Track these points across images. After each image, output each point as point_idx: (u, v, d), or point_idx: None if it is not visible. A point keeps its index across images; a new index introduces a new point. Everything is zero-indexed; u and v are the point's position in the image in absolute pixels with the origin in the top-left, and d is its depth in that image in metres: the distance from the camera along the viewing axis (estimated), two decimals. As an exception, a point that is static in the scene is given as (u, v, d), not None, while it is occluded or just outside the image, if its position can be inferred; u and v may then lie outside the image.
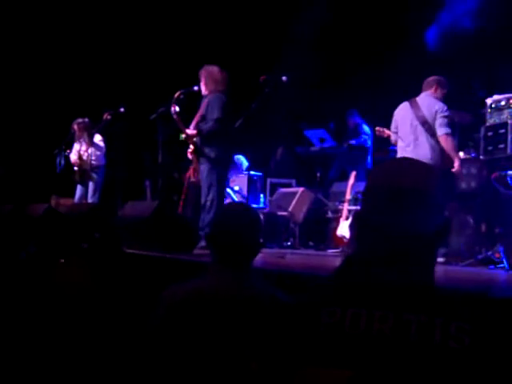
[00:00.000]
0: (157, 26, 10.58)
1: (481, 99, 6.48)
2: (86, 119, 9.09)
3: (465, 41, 7.62)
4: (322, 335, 1.44)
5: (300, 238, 8.57)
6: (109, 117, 8.97)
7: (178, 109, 6.73)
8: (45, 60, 10.63)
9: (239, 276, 2.52)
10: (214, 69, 6.74)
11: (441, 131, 5.98)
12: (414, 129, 6.10)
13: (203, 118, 6.62)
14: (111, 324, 4.31)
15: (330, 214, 8.56)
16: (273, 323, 1.59)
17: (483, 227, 6.44)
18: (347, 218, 7.60)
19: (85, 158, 8.87)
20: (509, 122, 5.87)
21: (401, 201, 1.47)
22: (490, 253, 5.70)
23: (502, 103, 6.01)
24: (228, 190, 8.67)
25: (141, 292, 4.48)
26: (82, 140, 8.97)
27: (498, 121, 6.01)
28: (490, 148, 6.01)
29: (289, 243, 8.39)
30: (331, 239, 8.08)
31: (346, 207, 7.75)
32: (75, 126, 9.04)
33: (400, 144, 6.27)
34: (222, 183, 6.76)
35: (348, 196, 7.80)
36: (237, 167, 9.29)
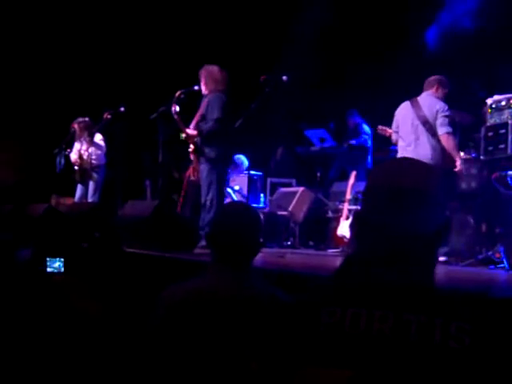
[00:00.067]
0: (157, 26, 10.58)
1: (481, 99, 6.48)
2: (87, 118, 9.09)
3: (465, 41, 7.62)
4: (322, 335, 1.44)
5: (300, 238, 8.57)
6: (109, 116, 8.97)
7: (178, 109, 6.73)
8: (45, 59, 10.63)
9: (239, 276, 2.52)
10: (214, 68, 6.74)
11: (442, 130, 5.99)
12: (415, 128, 6.10)
13: (203, 118, 6.62)
14: (111, 324, 4.30)
15: (330, 214, 8.56)
16: (273, 323, 1.59)
17: (483, 227, 6.44)
18: (347, 218, 7.60)
19: (85, 157, 8.87)
20: (509, 122, 5.86)
21: (401, 201, 1.47)
22: (490, 253, 5.69)
23: (503, 103, 6.00)
24: (228, 189, 8.67)
25: (141, 291, 4.48)
26: (82, 139, 8.97)
27: (498, 121, 6.01)
28: (490, 148, 6.01)
29: (289, 243, 8.39)
30: (331, 239, 8.08)
31: (346, 207, 7.75)
32: (75, 126, 9.04)
33: (401, 143, 6.28)
34: (222, 182, 6.77)
35: (348, 196, 7.80)
36: (237, 167, 9.29)
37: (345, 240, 7.50)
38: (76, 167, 8.95)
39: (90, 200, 8.78)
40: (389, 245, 1.48)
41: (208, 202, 6.44)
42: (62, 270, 4.14)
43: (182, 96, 6.89)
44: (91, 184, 8.90)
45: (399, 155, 6.23)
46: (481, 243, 6.21)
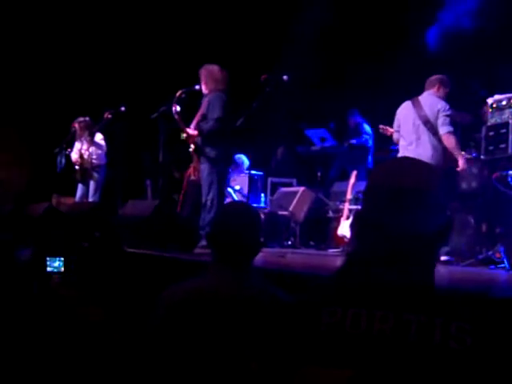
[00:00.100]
0: (157, 26, 10.58)
1: (481, 99, 6.48)
2: (87, 118, 9.09)
3: (465, 41, 7.61)
4: (323, 335, 1.44)
5: (301, 238, 8.57)
6: (110, 116, 8.97)
7: (178, 108, 6.73)
8: (45, 59, 10.63)
9: (239, 275, 2.52)
10: (214, 68, 6.74)
11: (443, 130, 5.99)
12: (417, 128, 6.10)
13: (204, 118, 6.62)
14: (111, 324, 4.30)
15: (330, 214, 8.56)
16: (273, 323, 1.59)
17: (484, 227, 6.44)
18: (348, 218, 7.60)
19: (86, 156, 8.88)
20: (510, 121, 5.86)
21: (402, 201, 1.47)
22: (490, 253, 5.69)
23: (503, 103, 6.00)
24: (229, 189, 8.67)
25: (141, 291, 4.48)
26: (83, 139, 8.97)
27: (499, 121, 6.00)
28: (491, 148, 6.00)
29: (289, 243, 8.39)
30: (332, 239, 8.08)
31: (346, 207, 7.75)
32: (76, 125, 9.04)
33: (402, 143, 6.28)
34: (223, 182, 6.76)
35: (349, 195, 7.80)
36: (238, 166, 9.29)
37: (345, 240, 7.50)
38: (77, 167, 8.95)
39: (90, 200, 8.78)
40: (389, 245, 1.48)
41: (208, 202, 6.44)
42: (62, 269, 4.14)
43: (183, 96, 6.89)
44: (92, 184, 8.90)
45: (400, 154, 6.23)
46: (481, 243, 6.21)
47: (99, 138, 9.03)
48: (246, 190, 9.06)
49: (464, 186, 6.50)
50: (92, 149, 8.92)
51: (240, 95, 6.80)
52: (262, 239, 2.65)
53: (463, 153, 6.44)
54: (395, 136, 6.43)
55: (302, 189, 8.88)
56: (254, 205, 8.78)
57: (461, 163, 5.99)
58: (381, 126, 6.80)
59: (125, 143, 10.07)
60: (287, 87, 6.95)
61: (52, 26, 10.51)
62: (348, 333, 1.42)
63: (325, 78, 9.51)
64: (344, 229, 7.55)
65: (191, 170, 6.80)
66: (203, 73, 6.74)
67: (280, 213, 8.64)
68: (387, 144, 8.30)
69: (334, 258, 6.75)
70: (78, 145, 9.03)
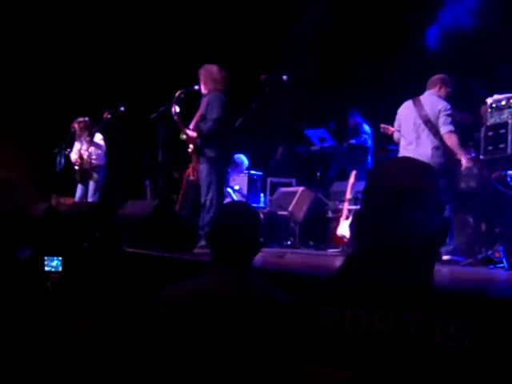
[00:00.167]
0: (157, 26, 10.58)
1: (481, 99, 6.48)
2: (87, 118, 9.09)
3: (465, 40, 7.61)
4: (322, 335, 1.44)
5: (300, 238, 8.57)
6: (109, 116, 8.97)
7: (178, 109, 6.72)
8: (45, 59, 10.63)
9: (239, 275, 2.52)
10: (213, 68, 6.74)
11: (444, 129, 5.98)
12: (417, 127, 6.10)
13: (203, 118, 6.62)
14: (111, 323, 4.31)
15: (330, 214, 8.56)
16: (272, 323, 1.59)
17: (483, 227, 6.44)
18: (347, 218, 7.60)
19: (85, 157, 8.87)
20: (509, 121, 5.86)
21: (400, 201, 1.47)
22: (489, 252, 5.70)
23: (503, 103, 6.00)
24: (228, 189, 8.67)
25: (141, 291, 4.48)
26: (82, 139, 8.97)
27: (498, 120, 6.01)
28: (490, 148, 6.00)
29: (289, 243, 8.38)
30: (331, 239, 8.08)
31: (346, 207, 7.75)
32: (76, 125, 9.04)
33: (402, 142, 6.27)
34: (222, 182, 6.76)
35: (348, 195, 7.80)
36: (237, 166, 9.29)
37: (345, 240, 7.50)
38: (76, 167, 8.95)
39: (90, 200, 8.78)
40: (388, 244, 1.48)
41: (208, 202, 6.44)
42: (60, 268, 4.14)
43: (182, 96, 6.88)
44: (91, 184, 8.90)
45: (400, 154, 6.23)
46: (480, 243, 6.21)
47: (99, 138, 9.02)
48: (245, 190, 9.06)
49: (463, 185, 6.51)
50: (91, 149, 8.91)
51: (239, 95, 6.80)
52: (261, 239, 2.65)
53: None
54: (396, 135, 6.43)
55: (301, 189, 8.88)
56: (254, 205, 8.78)
57: (464, 162, 5.98)
58: (382, 126, 6.80)
59: (124, 143, 10.07)
60: (287, 87, 6.95)
61: (52, 26, 10.51)
62: (347, 333, 1.42)
63: (324, 78, 9.51)
64: (343, 229, 7.55)
65: (190, 170, 6.80)
66: (202, 73, 6.74)
67: (279, 213, 8.64)
68: (386, 144, 8.31)
69: (334, 258, 6.75)
70: (77, 145, 9.03)
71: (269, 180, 9.87)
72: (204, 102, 6.66)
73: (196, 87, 6.83)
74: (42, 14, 10.54)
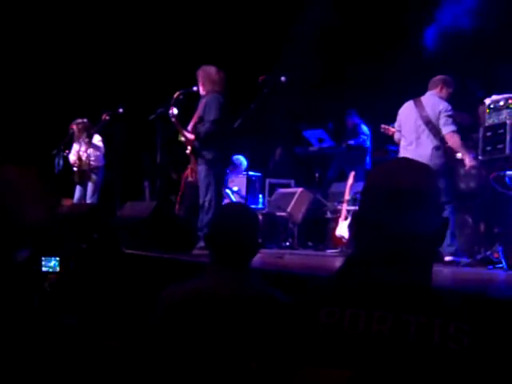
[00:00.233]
0: (156, 26, 10.58)
1: (479, 99, 6.48)
2: (85, 120, 9.09)
3: (463, 41, 7.62)
4: (321, 335, 1.44)
5: (299, 239, 8.58)
6: (107, 117, 8.96)
7: (176, 111, 6.70)
8: (44, 60, 10.63)
9: (238, 276, 2.52)
10: (212, 69, 6.73)
11: (446, 129, 5.97)
12: (417, 128, 6.09)
13: (201, 119, 6.61)
14: (110, 324, 4.30)
15: (328, 215, 8.56)
16: (272, 323, 1.59)
17: (482, 227, 6.44)
18: (346, 219, 7.60)
19: (84, 158, 8.87)
20: (507, 122, 5.86)
21: (399, 201, 1.47)
22: (488, 253, 5.69)
23: (501, 103, 6.00)
24: (227, 190, 8.67)
25: (140, 292, 4.48)
26: (81, 140, 8.97)
27: (496, 121, 6.01)
28: (488, 148, 6.00)
29: (287, 243, 8.39)
30: (330, 239, 8.08)
31: (344, 207, 7.75)
32: (74, 127, 9.04)
33: (402, 143, 6.27)
34: (220, 183, 6.76)
35: (347, 196, 7.80)
36: (236, 167, 9.29)
37: (343, 240, 7.50)
38: (75, 168, 8.95)
39: (88, 201, 8.78)
40: (388, 245, 1.48)
41: (206, 203, 6.43)
42: (58, 269, 4.14)
43: (181, 97, 6.88)
44: (90, 185, 8.90)
45: (400, 154, 6.22)
46: (479, 243, 6.22)
47: (97, 139, 9.02)
48: (243, 191, 9.05)
49: (462, 186, 6.51)
50: (90, 150, 8.91)
51: (238, 96, 6.79)
52: (259, 240, 2.66)
53: (459, 155, 6.45)
54: (396, 136, 6.42)
55: (299, 190, 8.89)
56: (252, 206, 8.78)
57: (467, 161, 5.96)
58: (382, 126, 6.79)
59: (123, 145, 10.06)
60: (285, 88, 6.94)
61: (51, 27, 10.51)
62: (346, 333, 1.42)
63: (323, 78, 9.51)
64: (342, 229, 7.55)
65: (188, 171, 6.80)
66: (200, 74, 6.74)
67: (278, 214, 8.64)
68: (385, 145, 8.31)
69: (332, 258, 6.75)
70: (76, 146, 9.02)
71: (267, 181, 9.87)
72: (202, 104, 6.65)
73: (195, 88, 6.83)
74: (42, 14, 10.54)
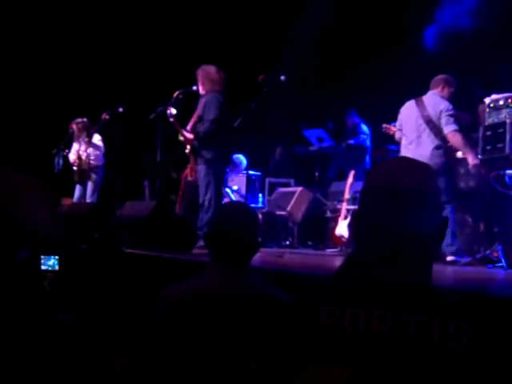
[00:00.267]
0: (155, 26, 10.58)
1: (479, 98, 6.48)
2: (85, 119, 9.09)
3: (463, 40, 7.62)
4: (321, 335, 1.44)
5: (298, 238, 8.58)
6: (107, 117, 8.96)
7: (174, 111, 6.69)
8: (44, 60, 10.62)
9: (238, 275, 2.52)
10: (211, 69, 6.73)
11: (448, 129, 5.96)
12: (418, 127, 6.08)
13: (200, 119, 6.61)
14: (110, 324, 4.31)
15: (328, 214, 8.57)
16: (272, 322, 1.59)
17: (482, 226, 6.45)
18: (346, 218, 7.61)
19: (84, 157, 8.87)
20: (507, 121, 5.86)
21: (399, 201, 1.47)
22: (488, 252, 5.70)
23: (501, 102, 6.00)
24: (227, 189, 8.67)
25: (140, 292, 4.48)
26: (80, 140, 8.97)
27: (496, 120, 6.01)
28: (488, 147, 6.00)
29: (287, 242, 8.39)
30: (330, 238, 8.09)
31: (344, 206, 7.76)
32: (74, 126, 9.04)
33: (403, 142, 6.27)
34: (220, 183, 6.76)
35: (347, 195, 7.81)
36: (236, 167, 9.29)
37: (343, 239, 7.51)
38: (74, 168, 8.95)
39: (88, 200, 8.78)
40: (387, 244, 1.48)
41: (206, 203, 6.43)
42: (57, 267, 4.14)
43: (180, 96, 6.88)
44: (90, 184, 8.90)
45: (401, 153, 6.22)
46: (479, 242, 6.22)
47: (97, 138, 9.02)
48: (243, 190, 9.05)
49: (462, 185, 6.50)
50: (90, 150, 8.91)
51: (238, 96, 6.80)
52: (259, 239, 2.66)
53: (459, 153, 6.45)
54: (397, 135, 6.41)
55: (299, 189, 8.89)
56: (252, 205, 8.78)
57: (470, 160, 5.94)
58: (384, 125, 6.77)
59: (123, 144, 10.07)
60: (285, 87, 6.95)
61: (51, 27, 10.50)
62: (346, 333, 1.42)
63: (323, 78, 9.52)
64: (342, 229, 7.55)
65: (188, 170, 6.80)
66: (200, 73, 6.73)
67: (278, 213, 8.64)
68: (385, 144, 8.31)
69: (332, 257, 6.76)
70: (75, 146, 9.03)
71: (267, 180, 9.88)
72: (202, 103, 6.66)
73: (194, 88, 6.83)
74: (41, 14, 10.54)
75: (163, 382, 2.43)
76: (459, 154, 6.47)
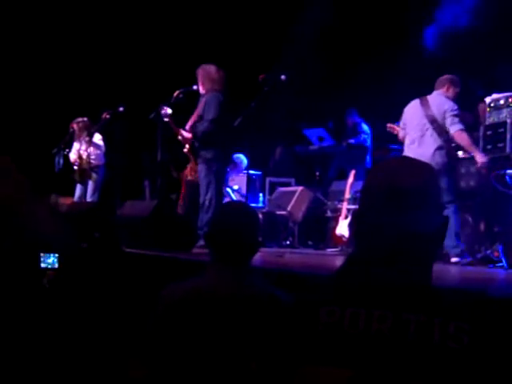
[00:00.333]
0: (156, 25, 10.58)
1: (480, 98, 6.48)
2: (86, 118, 9.09)
3: (464, 40, 7.62)
4: (321, 334, 1.44)
5: (299, 237, 8.58)
6: (108, 116, 8.97)
7: (169, 111, 6.67)
8: (44, 59, 10.62)
9: (238, 275, 2.52)
10: (211, 68, 6.72)
11: (454, 129, 5.92)
12: (422, 126, 6.07)
13: (201, 118, 6.61)
14: (110, 323, 4.30)
15: (329, 213, 8.57)
16: (272, 322, 1.59)
17: (482, 226, 6.45)
18: (346, 217, 7.61)
19: (84, 157, 8.88)
20: (508, 121, 5.87)
21: (399, 200, 1.47)
22: (488, 252, 5.70)
23: (501, 102, 6.01)
24: (227, 189, 8.67)
25: (140, 291, 4.48)
26: (81, 139, 8.97)
27: (496, 120, 6.01)
28: (489, 147, 6.01)
29: (288, 242, 8.39)
30: (330, 238, 8.09)
31: (345, 206, 7.76)
32: (75, 126, 9.05)
33: (406, 141, 6.26)
34: (221, 182, 6.75)
35: (347, 195, 7.81)
36: (237, 166, 9.29)
37: (343, 239, 7.51)
38: (75, 167, 8.95)
39: (89, 200, 8.78)
40: (387, 244, 1.48)
41: (207, 202, 6.43)
42: (56, 265, 4.14)
43: (181, 96, 6.88)
44: (90, 184, 8.91)
45: (404, 153, 6.21)
46: (480, 242, 6.22)
47: (98, 138, 9.03)
48: (244, 190, 9.06)
49: (462, 185, 6.51)
50: (90, 149, 8.92)
51: (238, 95, 6.79)
52: (260, 239, 2.65)
53: (460, 153, 6.46)
54: (401, 134, 6.39)
55: (300, 188, 8.89)
56: (253, 204, 8.78)
57: (478, 158, 5.92)
58: (388, 125, 6.74)
59: (123, 143, 10.07)
60: (285, 87, 6.94)
61: (51, 26, 10.50)
62: (346, 332, 1.42)
63: (323, 77, 9.50)
64: (342, 228, 7.55)
65: (188, 170, 6.80)
66: (200, 73, 6.73)
67: (278, 212, 8.64)
68: (385, 143, 8.31)
69: (333, 257, 6.76)
70: (76, 145, 9.03)
71: (268, 180, 9.87)
72: (202, 102, 6.65)
73: (195, 87, 6.82)
74: (42, 13, 10.54)
75: (163, 382, 2.43)
76: (460, 154, 6.47)
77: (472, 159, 6.32)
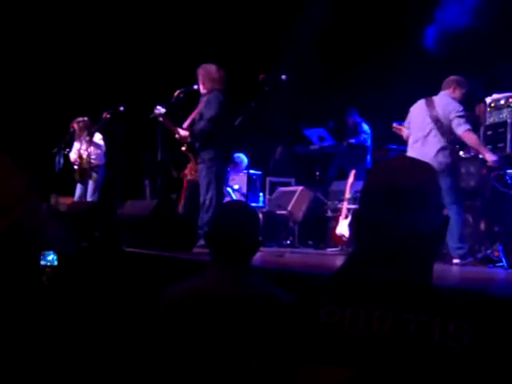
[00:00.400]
0: (156, 25, 10.58)
1: (479, 98, 6.48)
2: (86, 118, 9.09)
3: (464, 40, 7.61)
4: (321, 334, 1.44)
5: (299, 237, 8.58)
6: (108, 116, 8.97)
7: (163, 110, 6.66)
8: (44, 59, 10.63)
9: (239, 274, 2.52)
10: (212, 67, 6.72)
11: (460, 129, 5.89)
12: (426, 126, 6.05)
13: (201, 117, 6.61)
14: (111, 323, 4.31)
15: (329, 213, 8.57)
16: (272, 322, 1.59)
17: (482, 226, 6.45)
18: (346, 217, 7.61)
19: (85, 156, 8.88)
20: (508, 121, 5.87)
21: (400, 200, 1.47)
22: (489, 251, 5.70)
23: (502, 102, 6.01)
24: (228, 188, 8.67)
25: (140, 291, 4.48)
26: (81, 139, 8.97)
27: (497, 120, 6.01)
28: (489, 147, 6.01)
29: (288, 242, 8.39)
30: (330, 238, 8.09)
31: (345, 206, 7.76)
32: (75, 125, 9.05)
33: (409, 141, 6.25)
34: (221, 181, 6.75)
35: (347, 195, 7.81)
36: (237, 166, 9.29)
37: (344, 239, 7.50)
38: (75, 167, 8.95)
39: (89, 199, 8.78)
40: (388, 244, 1.48)
41: (207, 201, 6.43)
42: (56, 263, 4.14)
43: (181, 95, 6.88)
44: (91, 183, 8.91)
45: (408, 152, 6.20)
46: (480, 242, 6.22)
47: (98, 137, 9.03)
48: (244, 190, 9.06)
49: (463, 184, 6.51)
50: (91, 149, 8.92)
51: (239, 95, 6.79)
52: (260, 238, 2.65)
53: (461, 153, 6.45)
54: (406, 133, 6.38)
55: (300, 188, 8.89)
56: (253, 204, 8.79)
57: (488, 157, 5.87)
58: (394, 125, 6.72)
59: (123, 143, 10.07)
60: (286, 86, 6.94)
61: (51, 26, 10.50)
62: (346, 332, 1.42)
63: (323, 77, 9.50)
64: (342, 228, 7.55)
65: (188, 169, 6.80)
66: (200, 72, 6.73)
67: (278, 212, 8.64)
68: (386, 143, 8.31)
69: (333, 257, 6.76)
70: (76, 145, 9.03)
71: (268, 179, 9.88)
72: (202, 102, 6.65)
73: (195, 86, 6.82)
74: (42, 13, 10.54)
75: (164, 382, 2.44)
76: (461, 153, 6.47)
77: (472, 159, 6.32)
